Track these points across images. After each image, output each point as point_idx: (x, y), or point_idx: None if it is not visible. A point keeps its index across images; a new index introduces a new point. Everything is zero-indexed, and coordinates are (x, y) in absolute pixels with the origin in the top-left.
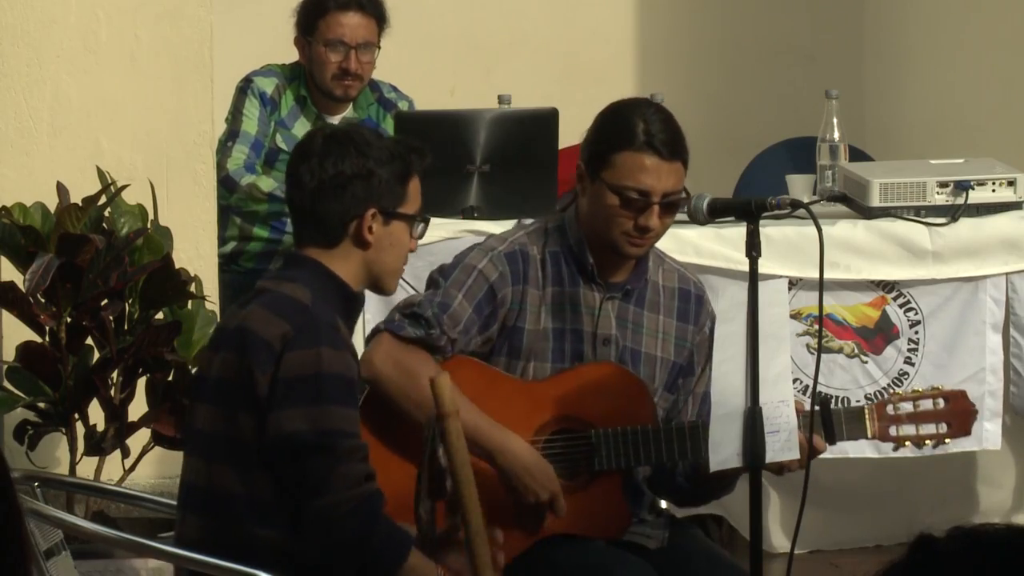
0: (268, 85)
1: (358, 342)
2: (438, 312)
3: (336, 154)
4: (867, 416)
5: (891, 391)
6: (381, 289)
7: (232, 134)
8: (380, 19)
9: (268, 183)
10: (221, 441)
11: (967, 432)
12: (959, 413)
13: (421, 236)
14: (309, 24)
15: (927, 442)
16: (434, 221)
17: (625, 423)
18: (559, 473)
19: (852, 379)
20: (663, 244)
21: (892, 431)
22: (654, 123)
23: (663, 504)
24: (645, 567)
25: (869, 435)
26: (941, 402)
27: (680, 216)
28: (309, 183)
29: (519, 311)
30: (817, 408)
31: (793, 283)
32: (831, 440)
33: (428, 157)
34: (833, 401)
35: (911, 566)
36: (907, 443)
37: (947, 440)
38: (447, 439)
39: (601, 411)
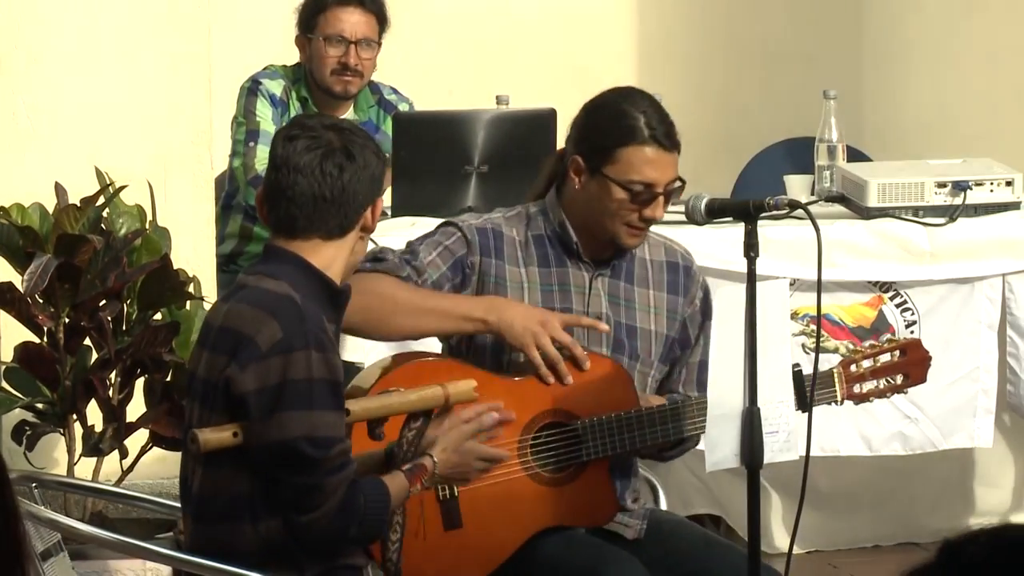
0: (276, 87)
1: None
2: (400, 260)
3: (358, 144)
4: (836, 379)
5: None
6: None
7: (251, 134)
8: (381, 17)
9: None
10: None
11: (923, 379)
12: (915, 363)
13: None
14: (309, 21)
15: (888, 394)
16: (433, 221)
17: (609, 409)
18: (550, 468)
19: None
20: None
21: (857, 389)
22: (652, 116)
23: (641, 498)
24: (633, 562)
25: (839, 399)
26: (898, 353)
27: (678, 216)
28: (340, 175)
29: (496, 286)
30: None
31: (791, 283)
32: (804, 407)
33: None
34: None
35: (938, 568)
36: (871, 398)
37: (906, 390)
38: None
39: (585, 401)
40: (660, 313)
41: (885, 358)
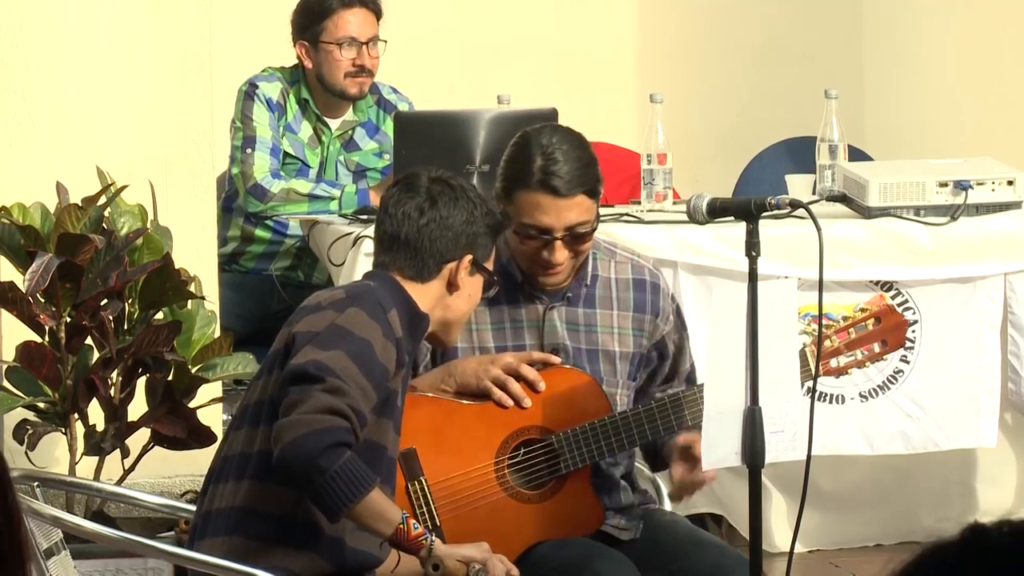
0: (273, 91)
1: None
2: None
3: (448, 196)
4: (808, 357)
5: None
6: (445, 338)
7: (249, 140)
8: (379, 13)
9: (303, 184)
10: (266, 405)
11: (902, 344)
12: (891, 328)
13: (488, 295)
14: (313, 27)
15: (867, 363)
16: None
17: (582, 420)
18: (530, 485)
19: (848, 378)
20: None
21: (834, 363)
22: (552, 157)
23: (634, 498)
24: (622, 558)
25: (812, 376)
26: (872, 322)
27: (679, 216)
28: (419, 219)
29: None
30: None
31: None
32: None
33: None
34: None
35: (961, 551)
36: (850, 371)
37: (885, 357)
38: None
39: (556, 415)
40: (625, 333)
41: (860, 329)
